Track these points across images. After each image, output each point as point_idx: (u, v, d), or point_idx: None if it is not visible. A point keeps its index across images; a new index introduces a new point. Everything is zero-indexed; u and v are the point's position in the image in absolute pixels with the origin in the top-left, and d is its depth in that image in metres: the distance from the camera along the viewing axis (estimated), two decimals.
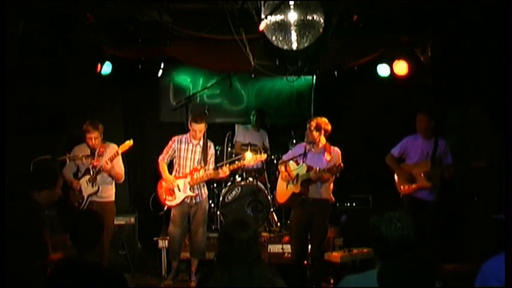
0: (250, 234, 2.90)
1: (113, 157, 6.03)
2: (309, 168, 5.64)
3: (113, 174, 6.11)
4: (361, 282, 2.54)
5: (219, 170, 6.15)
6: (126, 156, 6.44)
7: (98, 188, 6.12)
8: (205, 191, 6.37)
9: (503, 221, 2.65)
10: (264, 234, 7.01)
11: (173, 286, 6.34)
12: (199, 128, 6.11)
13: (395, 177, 6.40)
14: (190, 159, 6.22)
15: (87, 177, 6.12)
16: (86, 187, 6.11)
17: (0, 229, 3.80)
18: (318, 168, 5.53)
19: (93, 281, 3.14)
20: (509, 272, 2.27)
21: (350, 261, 6.14)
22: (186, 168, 6.23)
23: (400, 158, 6.44)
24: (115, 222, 6.52)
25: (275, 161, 7.25)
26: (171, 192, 6.24)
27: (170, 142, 6.28)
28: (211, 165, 6.27)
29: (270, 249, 6.71)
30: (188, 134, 6.24)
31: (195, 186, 6.22)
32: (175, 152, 6.24)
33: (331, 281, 6.19)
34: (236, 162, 6.35)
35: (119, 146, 6.06)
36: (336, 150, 5.77)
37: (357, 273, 2.62)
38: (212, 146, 6.37)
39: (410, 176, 6.27)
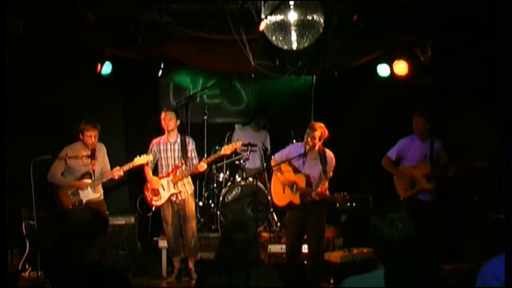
0: (249, 235, 2.91)
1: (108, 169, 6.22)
2: (308, 182, 5.64)
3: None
4: (363, 283, 2.54)
5: (197, 164, 6.32)
6: (127, 156, 6.46)
7: (100, 194, 6.17)
8: (190, 188, 6.48)
9: (503, 221, 2.65)
10: (264, 234, 7.01)
11: (176, 285, 6.38)
12: (170, 116, 6.32)
13: (395, 181, 6.38)
14: (171, 158, 6.39)
15: (87, 181, 6.13)
16: (86, 192, 6.13)
17: (0, 229, 3.80)
18: (316, 193, 5.56)
19: (97, 283, 3.09)
20: (509, 272, 2.27)
21: (350, 261, 6.14)
22: (169, 168, 6.40)
23: (396, 160, 6.43)
24: (115, 222, 6.55)
25: None
26: (157, 192, 6.37)
27: (150, 146, 6.46)
28: (194, 160, 6.42)
29: (270, 249, 6.71)
30: (165, 135, 6.41)
31: (179, 183, 6.36)
32: (156, 155, 6.42)
33: (331, 281, 6.20)
34: (213, 154, 6.57)
35: (128, 152, 6.21)
36: (331, 156, 5.75)
37: (358, 275, 2.61)
38: (191, 141, 6.50)
39: (411, 179, 6.23)
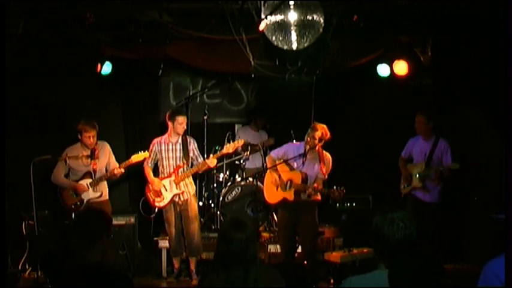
0: (247, 234, 2.91)
1: (113, 164, 6.20)
2: (304, 179, 5.63)
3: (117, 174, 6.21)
4: (363, 283, 2.53)
5: (206, 160, 6.26)
6: (126, 156, 6.45)
7: (101, 193, 6.17)
8: (192, 188, 6.44)
9: (503, 221, 2.65)
10: (264, 234, 7.01)
11: (175, 285, 6.37)
12: (184, 119, 6.25)
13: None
14: (173, 158, 6.32)
15: (87, 180, 6.14)
16: (87, 191, 6.14)
17: (0, 229, 3.80)
18: (313, 188, 5.54)
19: (98, 283, 3.08)
20: (509, 272, 2.27)
21: (350, 261, 6.13)
22: (170, 168, 6.33)
23: (410, 159, 6.46)
24: (115, 222, 6.55)
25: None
26: (159, 193, 6.33)
27: (151, 146, 6.39)
28: (199, 159, 6.37)
29: (270, 249, 6.70)
30: (166, 134, 6.35)
31: (181, 184, 6.31)
32: (157, 154, 6.36)
33: (331, 281, 6.19)
34: (218, 151, 6.50)
35: (128, 151, 6.18)
36: (329, 157, 5.74)
37: (358, 275, 2.61)
38: (192, 140, 6.43)
39: (409, 177, 6.29)
